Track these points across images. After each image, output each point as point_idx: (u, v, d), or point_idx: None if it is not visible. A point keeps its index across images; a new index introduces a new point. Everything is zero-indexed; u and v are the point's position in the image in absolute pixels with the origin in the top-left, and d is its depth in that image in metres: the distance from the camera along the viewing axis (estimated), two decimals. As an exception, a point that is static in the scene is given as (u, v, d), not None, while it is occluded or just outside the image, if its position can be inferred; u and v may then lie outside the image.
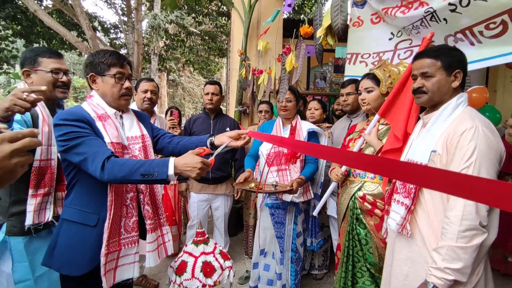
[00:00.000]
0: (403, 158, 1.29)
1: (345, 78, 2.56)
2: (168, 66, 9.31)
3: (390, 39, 2.07)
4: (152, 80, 2.40)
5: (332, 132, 2.41)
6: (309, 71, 4.14)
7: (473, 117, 1.10)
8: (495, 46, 1.32)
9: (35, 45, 8.06)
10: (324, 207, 2.25)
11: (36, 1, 6.39)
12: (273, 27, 3.30)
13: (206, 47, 8.31)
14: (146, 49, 7.85)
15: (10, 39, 7.71)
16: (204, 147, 1.25)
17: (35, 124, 1.51)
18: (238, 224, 3.72)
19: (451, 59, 1.16)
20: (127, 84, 1.30)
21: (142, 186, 1.34)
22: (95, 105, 1.29)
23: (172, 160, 1.12)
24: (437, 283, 1.04)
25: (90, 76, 1.28)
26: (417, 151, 1.20)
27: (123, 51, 8.55)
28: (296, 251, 2.14)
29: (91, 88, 1.33)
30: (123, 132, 1.32)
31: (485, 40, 1.36)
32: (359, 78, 2.34)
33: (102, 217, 1.21)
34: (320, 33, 1.42)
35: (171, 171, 1.10)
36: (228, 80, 4.16)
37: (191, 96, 15.33)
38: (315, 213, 2.02)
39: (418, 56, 1.24)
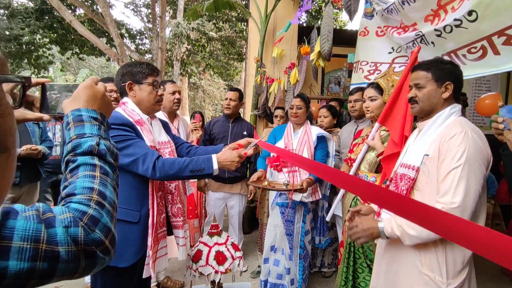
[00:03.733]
0: (399, 161, 1.41)
1: (351, 87, 2.67)
2: (189, 70, 9.71)
3: (390, 52, 2.21)
4: (174, 82, 2.53)
5: (339, 136, 2.53)
6: (323, 76, 4.25)
7: (463, 124, 1.18)
8: (477, 68, 1.45)
9: (69, 51, 8.71)
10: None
11: (71, 12, 6.93)
12: (288, 34, 3.46)
13: (226, 52, 8.60)
14: (169, 54, 8.24)
15: (47, 46, 8.38)
16: (239, 142, 1.45)
17: None
18: (253, 222, 3.91)
19: (441, 72, 1.25)
20: (161, 91, 1.44)
21: (173, 187, 1.47)
22: (130, 111, 1.37)
23: (214, 156, 1.31)
24: (385, 229, 1.18)
25: (128, 84, 1.36)
26: (411, 155, 1.31)
27: (147, 56, 9.02)
28: (304, 248, 2.28)
29: (122, 96, 1.43)
30: (155, 136, 1.43)
31: (468, 63, 1.48)
32: (364, 86, 2.47)
33: (143, 214, 1.30)
34: (313, 56, 1.59)
35: (215, 165, 1.29)
36: (245, 85, 4.36)
37: (211, 98, 15.76)
38: (328, 218, 2.14)
39: (414, 68, 1.36)
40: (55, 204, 3.55)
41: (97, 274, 1.25)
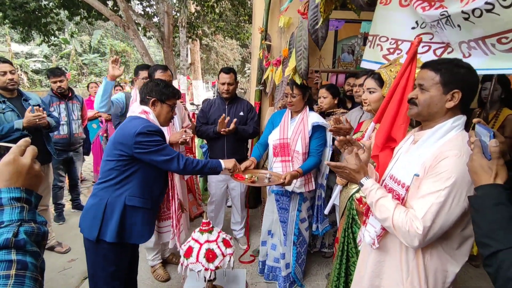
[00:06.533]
0: (387, 171, 1.29)
1: (362, 63, 2.42)
2: (199, 33, 9.26)
3: (413, 28, 1.90)
4: (166, 69, 2.35)
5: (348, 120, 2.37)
6: (335, 45, 3.91)
7: (463, 145, 1.03)
8: (508, 60, 1.20)
9: (77, 16, 8.48)
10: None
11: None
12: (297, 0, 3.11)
13: (235, 13, 8.02)
14: (176, 16, 7.83)
15: (54, 11, 8.17)
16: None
17: (127, 103, 2.50)
18: (258, 197, 3.96)
19: (452, 76, 1.07)
20: (175, 112, 1.85)
21: (176, 181, 2.04)
22: (152, 120, 1.69)
23: (222, 161, 1.87)
24: (363, 188, 1.21)
25: (153, 100, 1.70)
26: (401, 169, 1.19)
27: (155, 20, 8.63)
28: (300, 234, 2.29)
29: (142, 103, 1.76)
30: None
31: (498, 53, 1.24)
32: (374, 67, 2.22)
33: (155, 201, 1.75)
34: (288, 72, 1.38)
35: (223, 167, 1.85)
36: (251, 57, 4.10)
37: (224, 61, 15.27)
38: (326, 211, 2.08)
39: (423, 66, 1.18)
40: (70, 179, 3.72)
41: (107, 247, 1.60)
